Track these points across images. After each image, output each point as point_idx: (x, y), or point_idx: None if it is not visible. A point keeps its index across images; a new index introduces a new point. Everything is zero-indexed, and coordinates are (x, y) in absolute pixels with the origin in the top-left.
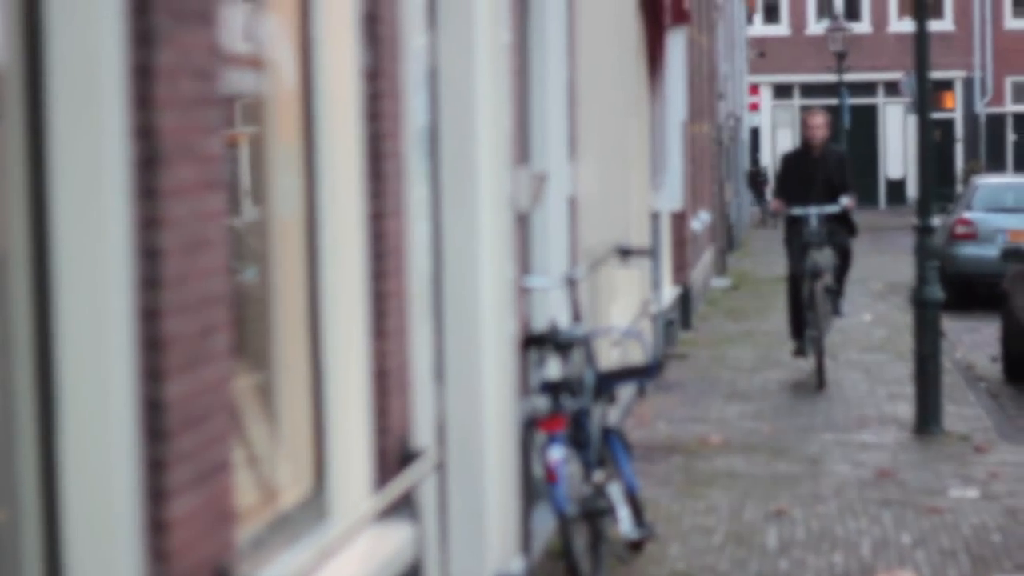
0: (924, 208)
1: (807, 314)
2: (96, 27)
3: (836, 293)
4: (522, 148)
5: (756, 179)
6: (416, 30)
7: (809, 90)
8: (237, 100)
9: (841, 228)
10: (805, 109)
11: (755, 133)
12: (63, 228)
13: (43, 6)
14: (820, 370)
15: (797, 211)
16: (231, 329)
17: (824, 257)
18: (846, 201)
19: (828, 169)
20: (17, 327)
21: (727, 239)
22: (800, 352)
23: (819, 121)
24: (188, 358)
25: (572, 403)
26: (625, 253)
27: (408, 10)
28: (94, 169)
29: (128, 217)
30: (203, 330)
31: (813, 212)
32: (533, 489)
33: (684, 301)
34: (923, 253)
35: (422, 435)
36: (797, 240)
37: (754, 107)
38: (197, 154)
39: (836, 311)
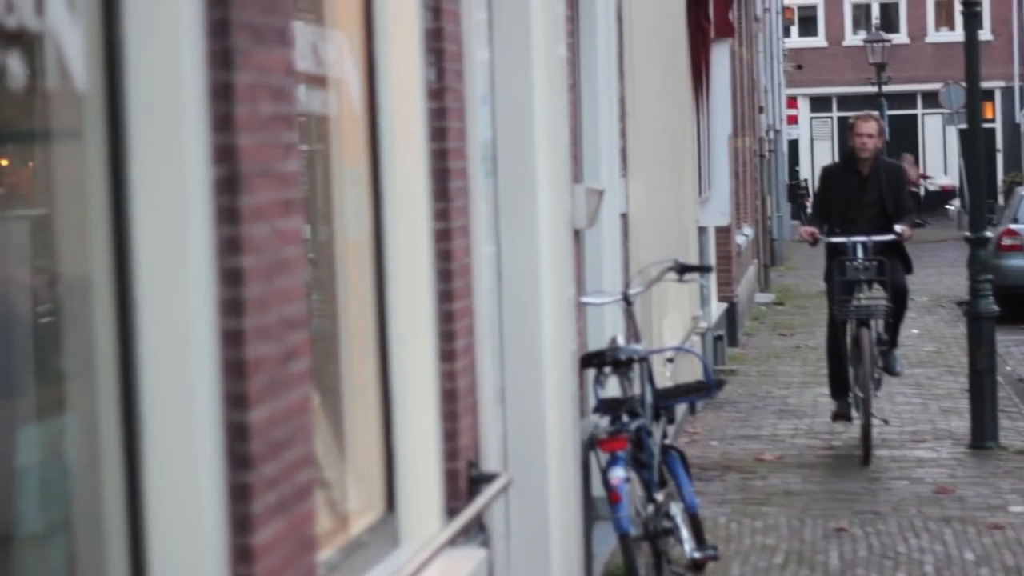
0: (977, 219)
1: (851, 370)
2: (176, 48)
3: (889, 344)
4: (575, 164)
5: (796, 192)
6: (479, 45)
7: (847, 102)
8: (305, 119)
9: (895, 262)
10: (844, 121)
11: (793, 146)
12: (145, 252)
13: (123, 28)
14: (866, 440)
15: (838, 240)
16: (310, 352)
17: (873, 299)
18: (901, 228)
19: (879, 189)
20: (100, 352)
21: (770, 254)
22: (843, 416)
23: (870, 128)
24: (271, 383)
25: (632, 422)
26: (683, 269)
27: (471, 25)
28: (175, 191)
29: (210, 239)
30: (285, 354)
31: (859, 241)
32: (592, 509)
33: (730, 317)
34: (976, 266)
35: (491, 457)
36: (840, 277)
37: (792, 120)
38: (275, 174)
39: (889, 368)
